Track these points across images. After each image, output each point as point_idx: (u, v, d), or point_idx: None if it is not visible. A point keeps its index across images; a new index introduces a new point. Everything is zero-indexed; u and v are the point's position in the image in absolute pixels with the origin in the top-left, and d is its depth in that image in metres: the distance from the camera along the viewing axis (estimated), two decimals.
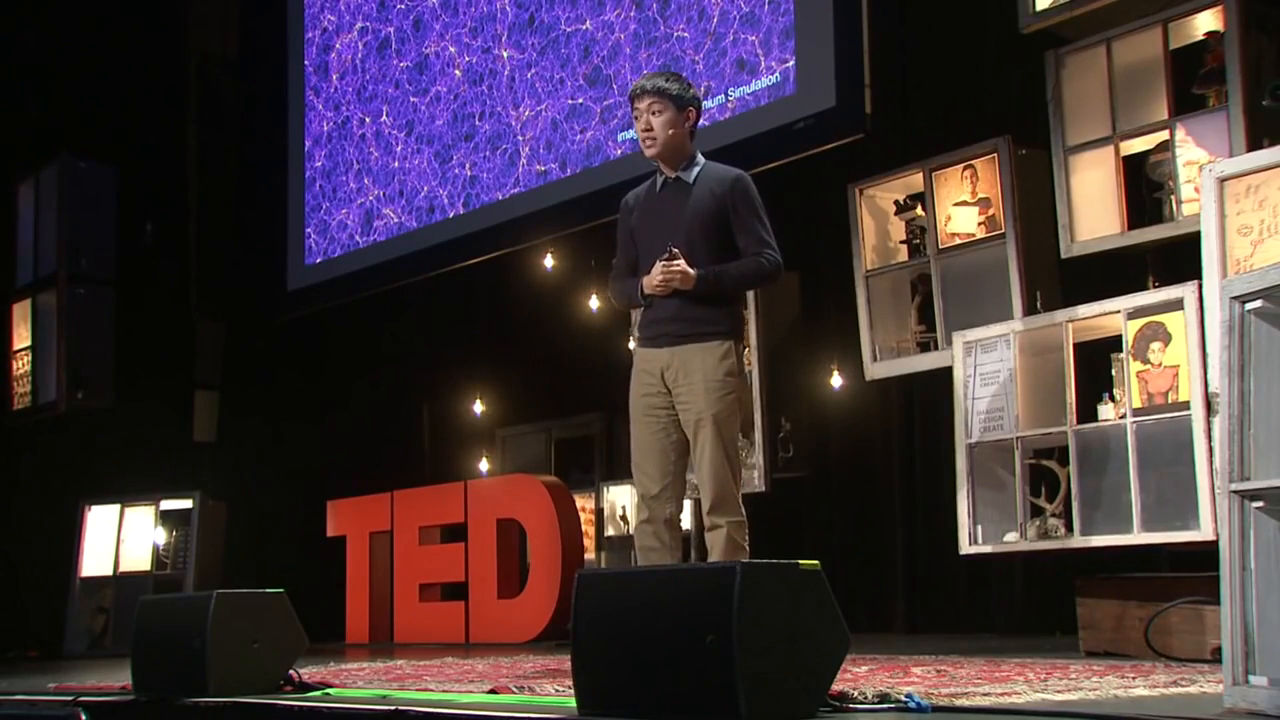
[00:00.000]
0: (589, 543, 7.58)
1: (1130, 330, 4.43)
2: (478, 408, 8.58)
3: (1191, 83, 4.75)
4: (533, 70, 7.28)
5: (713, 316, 4.02)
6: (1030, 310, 5.10)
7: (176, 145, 9.44)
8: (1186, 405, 4.22)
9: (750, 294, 6.19)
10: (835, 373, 6.45)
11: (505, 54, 7.46)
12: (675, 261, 3.97)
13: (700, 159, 4.16)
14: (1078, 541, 4.55)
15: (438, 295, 8.50)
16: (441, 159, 7.82)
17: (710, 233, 4.05)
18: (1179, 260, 4.72)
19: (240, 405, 9.39)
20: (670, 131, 4.08)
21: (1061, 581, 5.21)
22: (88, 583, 8.12)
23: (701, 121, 4.23)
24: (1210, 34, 4.71)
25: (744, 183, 4.09)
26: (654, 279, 4.01)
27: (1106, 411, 4.56)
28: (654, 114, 4.07)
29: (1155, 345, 4.35)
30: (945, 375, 5.18)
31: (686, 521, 6.09)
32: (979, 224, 5.50)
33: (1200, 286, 4.15)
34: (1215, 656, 3.73)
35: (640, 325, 4.20)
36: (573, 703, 2.76)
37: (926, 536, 6.29)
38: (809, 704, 2.56)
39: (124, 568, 8.03)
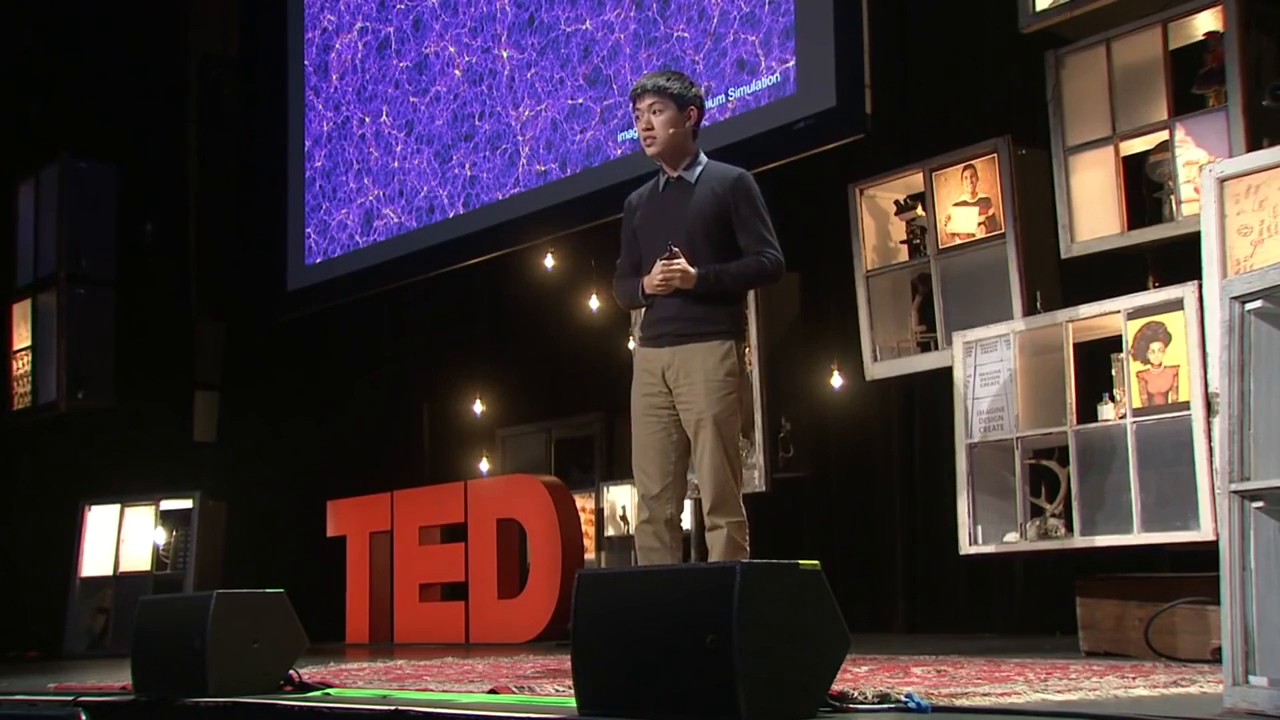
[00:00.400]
0: (589, 543, 7.58)
1: (1130, 330, 4.42)
2: (478, 408, 8.58)
3: (1191, 83, 4.75)
4: (532, 70, 7.28)
5: (714, 316, 4.01)
6: (1030, 310, 5.10)
7: (176, 145, 9.44)
8: (1186, 405, 4.22)
9: (750, 294, 6.19)
10: (835, 373, 6.45)
11: (505, 54, 7.46)
12: (675, 261, 3.97)
13: (703, 158, 4.16)
14: (1078, 541, 4.55)
15: (438, 295, 8.50)
16: (441, 159, 7.82)
17: (712, 232, 4.04)
18: (1179, 260, 4.72)
19: (240, 405, 9.40)
20: (671, 130, 4.07)
21: (1061, 581, 5.21)
22: (88, 583, 8.11)
23: (702, 121, 4.23)
24: (1210, 34, 4.71)
25: (746, 182, 4.09)
26: (654, 279, 4.01)
27: (1106, 411, 4.56)
28: (654, 113, 4.07)
29: (1155, 345, 4.35)
30: (945, 375, 5.18)
31: (687, 521, 6.08)
32: (979, 224, 5.50)
33: (1200, 286, 4.15)
34: (1215, 656, 3.73)
35: (641, 325, 4.20)
36: (573, 703, 2.76)
37: (926, 536, 6.29)
38: (809, 704, 2.56)
39: (124, 568, 8.03)
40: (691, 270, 3.97)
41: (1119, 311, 4.48)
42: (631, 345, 5.37)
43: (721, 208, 4.04)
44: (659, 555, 4.02)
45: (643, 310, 4.21)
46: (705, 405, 3.95)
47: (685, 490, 4.14)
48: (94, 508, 8.23)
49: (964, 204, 5.54)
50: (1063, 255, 5.06)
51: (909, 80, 6.40)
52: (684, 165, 4.13)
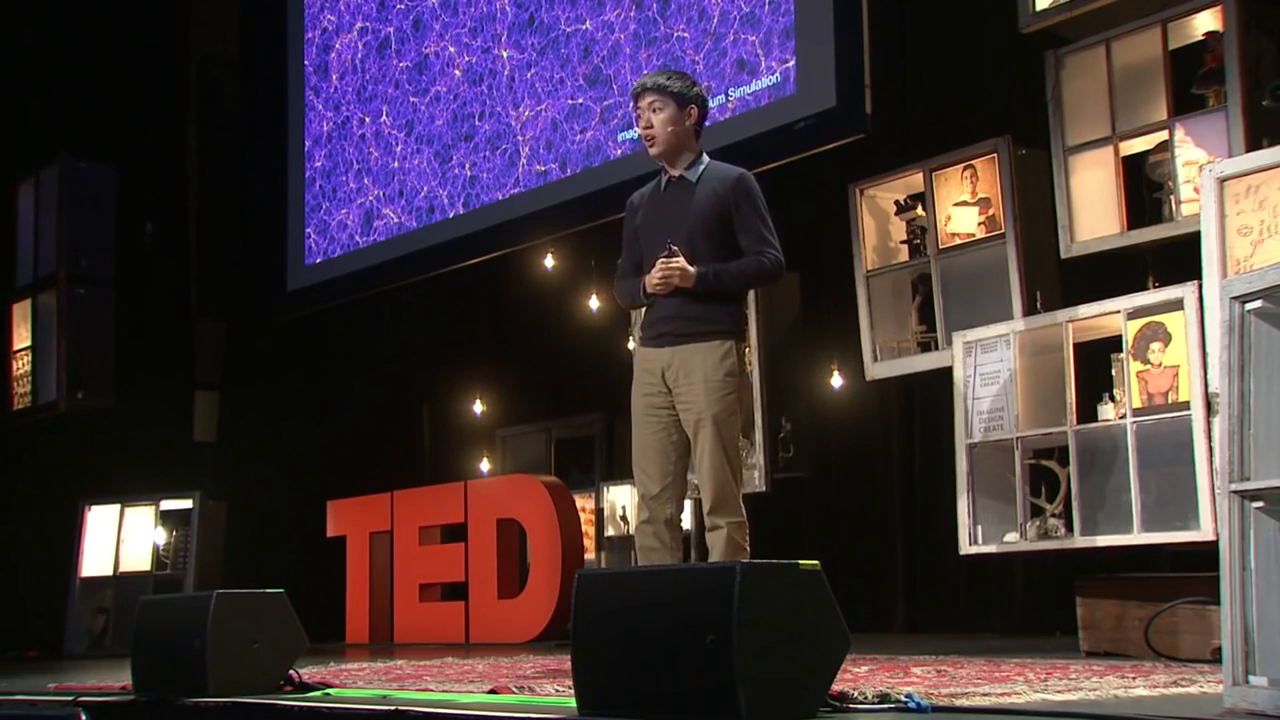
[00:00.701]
0: (589, 543, 7.58)
1: (1130, 330, 4.43)
2: (478, 408, 8.58)
3: (1191, 83, 4.76)
4: (533, 70, 7.28)
5: (714, 316, 4.01)
6: (1030, 310, 5.10)
7: (176, 145, 9.44)
8: (1186, 405, 4.22)
9: (751, 294, 6.19)
10: (835, 373, 6.45)
11: (505, 54, 7.46)
12: (674, 260, 3.97)
13: (705, 158, 4.15)
14: (1078, 541, 4.55)
15: (438, 295, 8.50)
16: (441, 159, 7.82)
17: (713, 232, 4.04)
18: (1179, 260, 4.72)
19: (240, 405, 9.39)
20: (670, 129, 4.07)
21: (1061, 581, 5.21)
22: (88, 583, 8.11)
23: (705, 121, 4.22)
24: (1209, 34, 4.71)
25: (747, 181, 4.08)
26: (654, 277, 4.01)
27: (1106, 411, 4.56)
28: (654, 111, 4.07)
29: (1155, 345, 4.35)
30: (945, 375, 5.18)
31: (687, 522, 6.08)
32: (979, 224, 5.50)
33: (1200, 286, 4.15)
34: (1215, 656, 3.73)
35: (642, 325, 4.20)
36: (573, 703, 2.76)
37: (926, 536, 6.29)
38: (809, 704, 2.56)
39: (124, 568, 8.02)
40: (691, 269, 3.97)
41: (1119, 311, 4.48)
42: (631, 345, 5.37)
43: (722, 207, 4.04)
44: (659, 555, 4.02)
45: (643, 310, 4.21)
46: (705, 405, 3.95)
47: (685, 490, 4.13)
48: (94, 508, 8.23)
49: (964, 204, 5.54)
50: (1062, 255, 5.06)
51: (909, 80, 6.40)
52: (685, 165, 4.12)
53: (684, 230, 4.04)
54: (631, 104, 4.18)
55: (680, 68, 6.31)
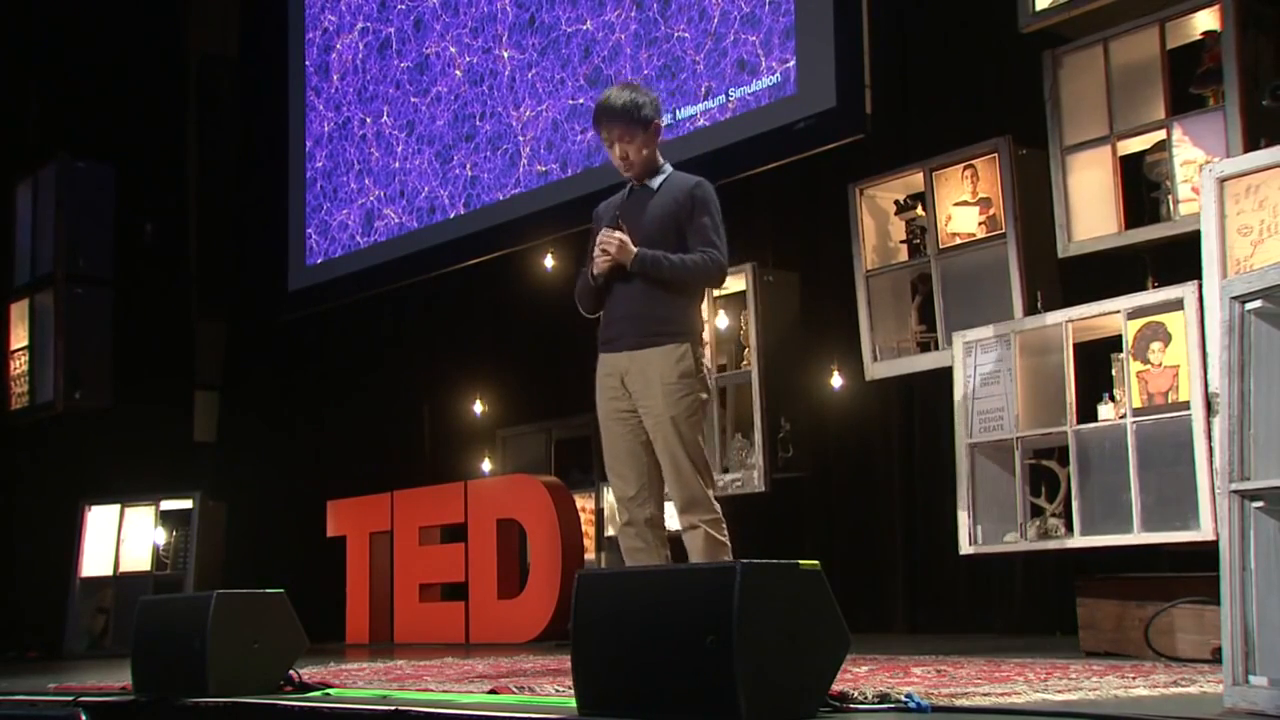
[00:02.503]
0: (589, 543, 7.58)
1: (1130, 330, 4.43)
2: (478, 408, 8.58)
3: (1189, 82, 4.76)
4: (533, 70, 7.28)
5: (668, 319, 4.03)
6: (1030, 310, 5.10)
7: (176, 145, 9.45)
8: (1186, 405, 4.22)
9: (749, 294, 6.20)
10: (835, 373, 6.45)
11: (506, 54, 7.46)
12: (617, 230, 4.00)
13: (667, 167, 4.22)
14: (1078, 541, 4.55)
15: (438, 295, 8.50)
16: (442, 159, 7.82)
17: (668, 237, 4.08)
18: (1178, 260, 4.72)
19: (240, 405, 9.40)
20: (644, 152, 4.15)
21: (1061, 581, 5.20)
22: (88, 583, 8.11)
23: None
24: (1207, 34, 4.71)
25: (703, 189, 4.13)
26: (595, 250, 4.05)
27: (1106, 411, 4.56)
28: (626, 143, 4.13)
29: (1155, 345, 4.35)
30: (945, 375, 5.18)
31: (676, 522, 6.07)
32: (979, 224, 5.50)
33: (1200, 286, 4.15)
34: (1215, 656, 3.73)
35: (600, 328, 4.21)
36: (573, 703, 2.76)
37: (926, 536, 6.29)
38: (809, 704, 2.56)
39: (124, 568, 8.03)
40: (631, 247, 4.00)
41: (1119, 311, 4.48)
42: None
43: (678, 213, 4.09)
44: (644, 555, 4.02)
45: (601, 314, 4.21)
46: (664, 408, 3.97)
47: (663, 489, 4.13)
48: (94, 508, 8.23)
49: (964, 204, 5.54)
50: (1060, 255, 5.06)
51: (909, 80, 6.40)
52: (649, 175, 4.19)
53: (640, 233, 4.08)
54: (594, 125, 4.22)
55: (680, 68, 6.32)
